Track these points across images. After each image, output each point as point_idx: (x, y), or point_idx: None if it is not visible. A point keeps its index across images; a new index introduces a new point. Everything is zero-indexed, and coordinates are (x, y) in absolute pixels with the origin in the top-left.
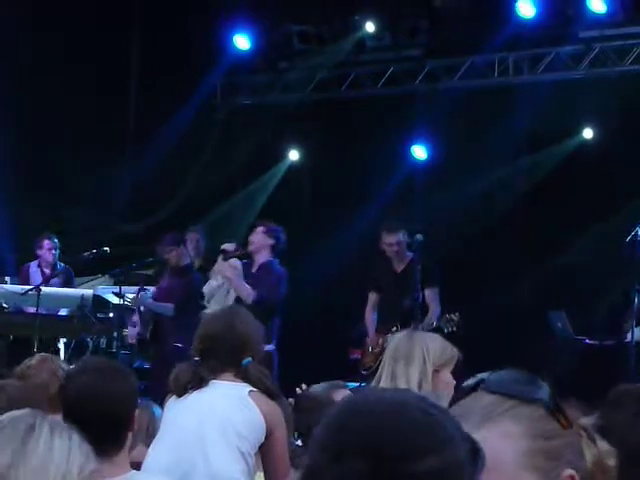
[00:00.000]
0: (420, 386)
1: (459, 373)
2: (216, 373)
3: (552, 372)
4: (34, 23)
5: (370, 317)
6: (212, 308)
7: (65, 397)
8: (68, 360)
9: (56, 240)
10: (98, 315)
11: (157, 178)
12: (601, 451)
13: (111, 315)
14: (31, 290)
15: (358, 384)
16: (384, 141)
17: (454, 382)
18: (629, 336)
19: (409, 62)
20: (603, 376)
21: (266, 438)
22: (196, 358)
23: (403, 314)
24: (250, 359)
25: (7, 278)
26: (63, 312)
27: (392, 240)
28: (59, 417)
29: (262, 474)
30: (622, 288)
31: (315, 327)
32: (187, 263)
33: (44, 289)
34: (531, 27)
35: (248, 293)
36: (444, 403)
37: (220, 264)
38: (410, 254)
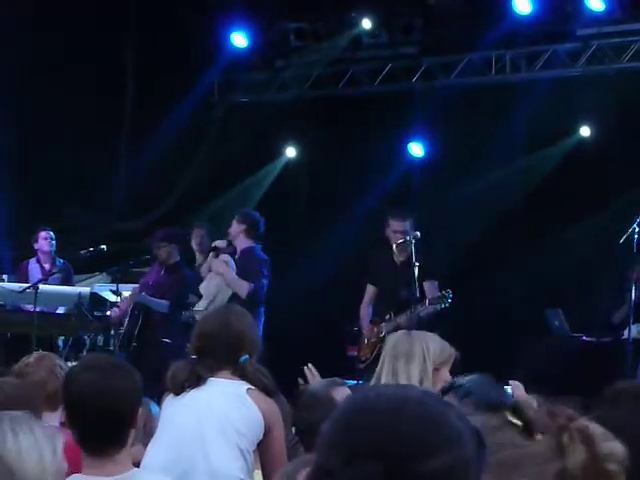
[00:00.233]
0: (421, 384)
1: (456, 372)
2: (213, 371)
3: (550, 370)
4: (34, 23)
5: (366, 310)
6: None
7: (68, 395)
8: (65, 358)
9: (52, 232)
10: (95, 313)
11: (155, 176)
12: (602, 454)
13: (108, 313)
14: (29, 288)
15: (356, 381)
16: (381, 138)
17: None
18: (626, 333)
19: (406, 60)
20: (600, 373)
21: (264, 435)
22: (193, 356)
23: (399, 304)
24: (247, 357)
25: (4, 276)
26: (61, 310)
27: (400, 227)
28: (56, 415)
29: (260, 472)
30: (618, 286)
31: (312, 324)
32: (177, 260)
33: (42, 287)
34: (528, 24)
35: (242, 286)
36: None
37: (212, 261)
38: (408, 249)
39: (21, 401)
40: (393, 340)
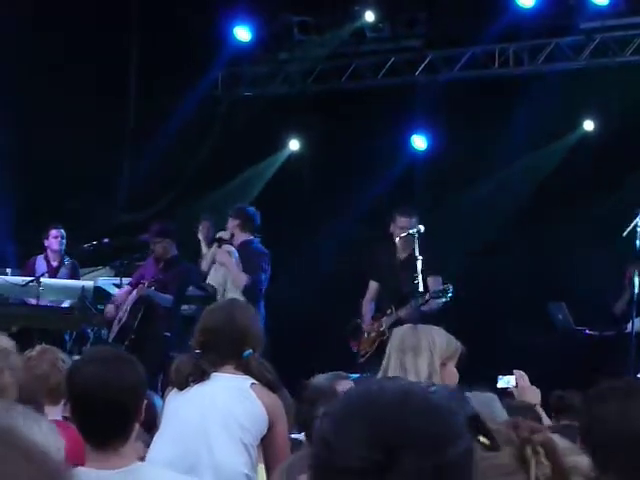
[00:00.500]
0: (430, 378)
1: (462, 367)
2: (217, 366)
3: (553, 363)
4: (34, 23)
5: (368, 306)
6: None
7: (72, 387)
8: (69, 351)
9: (63, 230)
10: (99, 307)
11: (159, 169)
12: (565, 468)
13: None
14: (31, 282)
15: (359, 375)
16: (384, 132)
17: (458, 375)
18: (629, 327)
19: (409, 53)
20: (603, 367)
21: (268, 430)
22: (197, 351)
23: (401, 298)
24: (251, 351)
25: (8, 270)
26: (64, 304)
27: (406, 223)
28: (58, 409)
29: (263, 466)
30: (621, 279)
31: (313, 318)
32: (174, 254)
33: (45, 281)
34: (531, 17)
35: (241, 278)
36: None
37: (216, 251)
38: (412, 243)
39: (24, 394)
40: (399, 334)
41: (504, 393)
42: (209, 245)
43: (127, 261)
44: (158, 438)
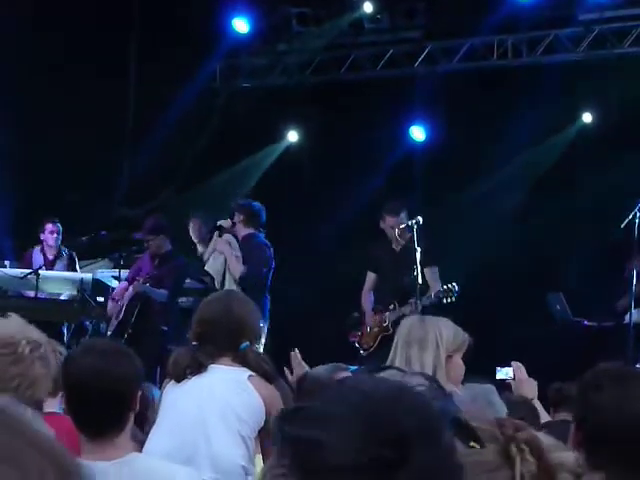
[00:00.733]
0: (434, 371)
1: (468, 358)
2: (214, 358)
3: (551, 354)
4: (34, 23)
5: (367, 297)
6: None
7: (67, 378)
8: (68, 344)
9: (59, 224)
10: (98, 299)
11: (157, 162)
12: (552, 465)
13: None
14: (30, 274)
15: (358, 367)
16: (383, 123)
17: (464, 367)
18: (627, 317)
19: (408, 44)
20: (602, 358)
21: (265, 422)
22: (194, 343)
23: (401, 292)
24: (248, 343)
25: (7, 262)
26: (63, 296)
27: (394, 222)
28: (56, 401)
29: (261, 456)
30: (620, 271)
31: (314, 310)
32: (168, 250)
33: (43, 273)
34: (530, 9)
35: (236, 269)
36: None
37: (216, 240)
38: (409, 234)
39: None
40: (406, 326)
41: (502, 385)
42: (204, 242)
43: (125, 253)
44: (155, 430)
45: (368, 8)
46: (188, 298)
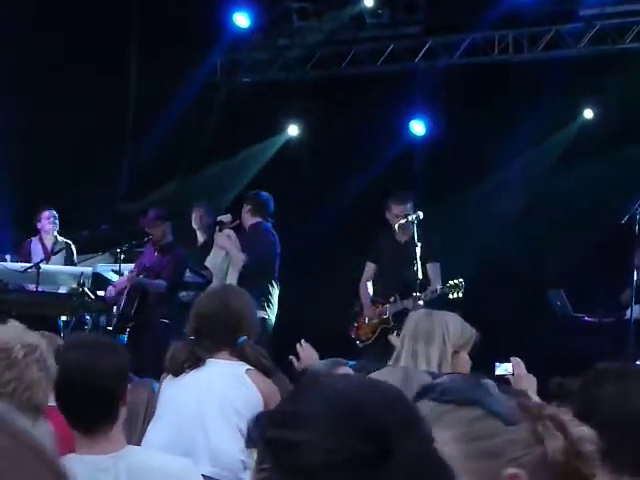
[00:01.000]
0: (440, 367)
1: (475, 354)
2: (212, 352)
3: (552, 350)
4: (34, 23)
5: (365, 288)
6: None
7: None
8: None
9: (55, 212)
10: (98, 293)
11: (158, 157)
12: (575, 438)
13: (102, 293)
14: (31, 268)
15: (356, 361)
16: (383, 118)
17: (470, 363)
18: (628, 313)
19: (408, 40)
20: (602, 354)
21: None
22: (191, 337)
23: (403, 286)
24: (245, 338)
25: (7, 256)
26: (63, 290)
27: (400, 211)
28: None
29: None
30: (621, 266)
31: (314, 303)
32: (171, 240)
33: (44, 267)
34: (531, 4)
35: (238, 258)
36: None
37: (217, 235)
38: (411, 229)
39: None
40: (414, 320)
41: (501, 380)
42: (205, 232)
43: (126, 247)
44: (154, 424)
45: (369, 3)
46: (188, 292)
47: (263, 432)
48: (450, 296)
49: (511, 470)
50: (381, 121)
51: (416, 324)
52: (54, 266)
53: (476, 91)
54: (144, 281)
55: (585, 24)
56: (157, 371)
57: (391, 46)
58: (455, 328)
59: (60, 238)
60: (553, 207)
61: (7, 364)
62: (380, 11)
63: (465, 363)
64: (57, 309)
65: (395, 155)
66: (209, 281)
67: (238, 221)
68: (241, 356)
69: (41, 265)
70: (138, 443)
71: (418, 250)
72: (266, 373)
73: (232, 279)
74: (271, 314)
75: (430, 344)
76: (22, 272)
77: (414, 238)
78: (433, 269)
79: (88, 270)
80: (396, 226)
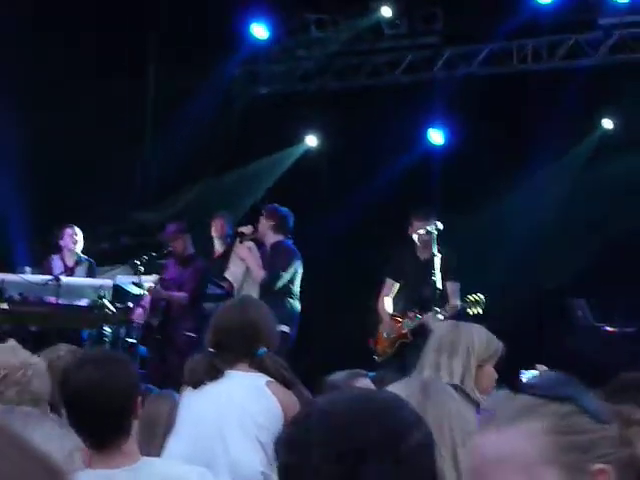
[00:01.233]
0: (463, 380)
1: (501, 366)
2: (231, 364)
3: (574, 360)
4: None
5: (384, 304)
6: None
7: (64, 392)
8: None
9: (77, 229)
10: (117, 305)
11: (176, 169)
12: None
13: (130, 305)
14: (51, 281)
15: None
16: (402, 129)
17: (496, 376)
18: None
19: (426, 50)
20: (624, 363)
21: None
22: (211, 349)
23: (422, 301)
24: (265, 349)
25: (28, 269)
26: (82, 302)
27: (423, 228)
28: None
29: None
30: None
31: (332, 313)
32: (192, 252)
33: (63, 279)
34: (549, 13)
35: (258, 275)
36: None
37: (237, 246)
38: (432, 240)
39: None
40: (439, 331)
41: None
42: (224, 242)
43: (145, 259)
44: (174, 436)
45: (387, 13)
46: (208, 304)
47: (276, 456)
48: (470, 312)
49: (599, 465)
50: (399, 131)
51: (441, 336)
52: (74, 278)
53: (494, 101)
54: (165, 294)
55: (604, 33)
56: (182, 384)
57: (409, 56)
58: (480, 341)
59: (82, 256)
60: (574, 216)
61: None
62: (398, 21)
63: (490, 377)
64: (77, 322)
65: (413, 165)
66: (229, 293)
67: (257, 232)
68: (261, 368)
69: (61, 277)
70: (158, 454)
71: (437, 261)
72: (286, 385)
73: (250, 291)
74: (292, 328)
75: (454, 356)
76: (42, 285)
77: (433, 249)
78: (453, 288)
79: (108, 282)
80: (417, 239)
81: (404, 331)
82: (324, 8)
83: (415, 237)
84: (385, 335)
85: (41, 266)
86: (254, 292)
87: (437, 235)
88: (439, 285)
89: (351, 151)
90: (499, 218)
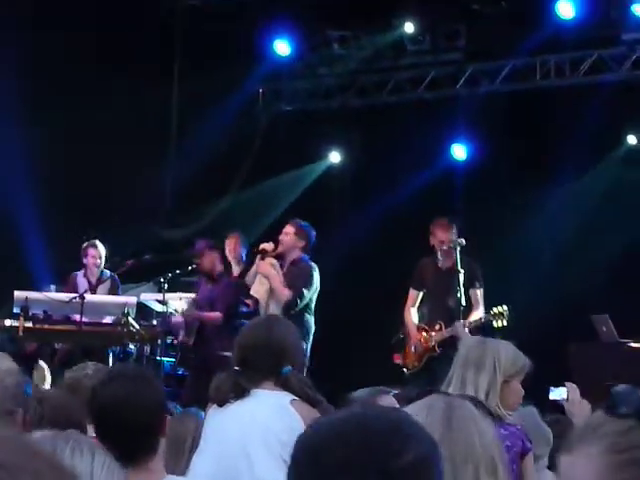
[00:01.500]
0: (487, 396)
1: (528, 383)
2: (256, 382)
3: (598, 376)
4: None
5: (409, 314)
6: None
7: (92, 409)
8: None
9: (101, 247)
10: (142, 323)
11: (200, 185)
12: None
13: (155, 322)
14: (75, 298)
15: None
16: (425, 145)
17: (523, 392)
18: None
19: (449, 66)
20: None
21: None
22: (236, 368)
23: (446, 312)
24: (290, 368)
25: (52, 287)
26: (106, 320)
27: (444, 237)
28: None
29: None
30: None
31: (355, 332)
32: (220, 269)
33: (88, 297)
34: (572, 29)
35: (283, 294)
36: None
37: (259, 263)
38: (455, 254)
39: (66, 413)
40: (466, 347)
41: (555, 405)
42: (239, 262)
43: (170, 277)
44: (198, 455)
45: (409, 29)
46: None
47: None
48: (494, 324)
49: None
50: (422, 147)
51: (468, 351)
52: (98, 296)
53: (517, 117)
54: (197, 315)
55: (628, 48)
56: None
57: (432, 73)
58: (507, 357)
59: (106, 271)
60: (597, 232)
61: None
62: (421, 38)
63: (517, 393)
64: (101, 339)
65: (435, 181)
66: (255, 310)
67: (281, 247)
68: (286, 386)
69: (85, 295)
70: (184, 473)
71: (461, 277)
72: (311, 403)
73: (275, 309)
74: (307, 344)
75: (480, 372)
76: (66, 302)
77: (457, 265)
78: (477, 296)
79: (132, 300)
80: (439, 252)
81: (431, 344)
82: (346, 25)
83: (438, 251)
84: (413, 349)
85: (65, 283)
86: (278, 309)
87: (461, 250)
88: (463, 297)
89: (374, 167)
90: (522, 233)
